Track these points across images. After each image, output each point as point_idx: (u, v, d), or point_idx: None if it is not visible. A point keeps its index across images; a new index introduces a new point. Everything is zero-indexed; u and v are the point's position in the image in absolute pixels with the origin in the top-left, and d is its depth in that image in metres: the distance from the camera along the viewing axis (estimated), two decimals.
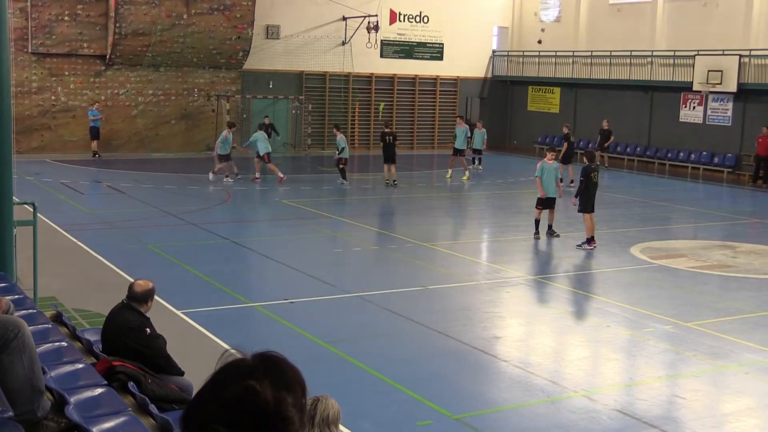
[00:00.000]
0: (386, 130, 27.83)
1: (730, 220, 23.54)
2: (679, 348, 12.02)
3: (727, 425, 9.39)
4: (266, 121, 30.86)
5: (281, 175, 26.15)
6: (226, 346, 3.30)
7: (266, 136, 26.98)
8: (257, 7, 34.65)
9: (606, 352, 11.96)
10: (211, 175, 26.20)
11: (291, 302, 13.59)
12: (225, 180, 25.94)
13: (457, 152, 30.06)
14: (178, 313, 12.42)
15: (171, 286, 13.45)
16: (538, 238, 18.92)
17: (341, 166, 26.84)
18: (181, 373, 8.04)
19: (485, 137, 32.00)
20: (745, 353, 11.81)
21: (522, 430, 9.08)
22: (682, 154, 35.21)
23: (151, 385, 7.24)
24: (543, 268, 17.29)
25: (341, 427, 5.38)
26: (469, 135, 31.10)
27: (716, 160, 33.80)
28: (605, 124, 33.71)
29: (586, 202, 17.94)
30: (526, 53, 42.56)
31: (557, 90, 41.47)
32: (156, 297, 8.39)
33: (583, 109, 40.06)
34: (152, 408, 6.52)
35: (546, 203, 18.99)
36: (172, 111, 34.63)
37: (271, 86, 37.10)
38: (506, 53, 43.38)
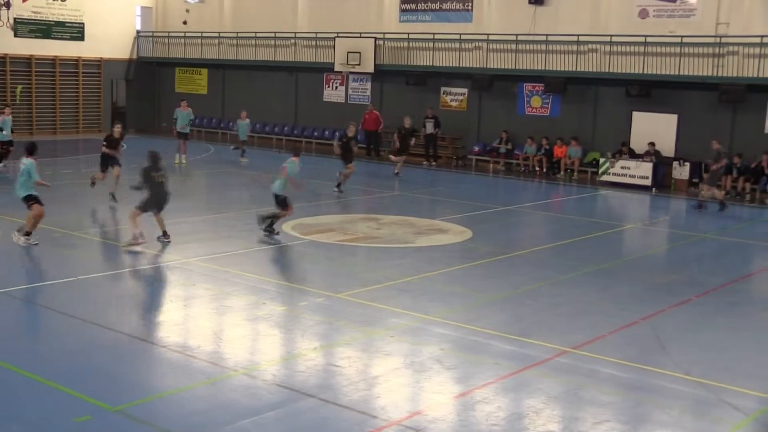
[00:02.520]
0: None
1: (372, 194, 24.90)
2: (332, 318, 12.54)
3: (378, 387, 9.96)
4: None
5: None
6: None
7: None
8: None
9: (263, 328, 12.18)
10: None
11: None
12: None
13: (181, 136, 29.87)
14: None
15: None
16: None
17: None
18: None
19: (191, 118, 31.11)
20: (390, 318, 12.57)
21: (184, 414, 9.01)
22: (327, 132, 36.62)
23: None
24: (199, 251, 17.16)
25: None
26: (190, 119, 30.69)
27: (359, 137, 35.48)
28: (407, 122, 30.65)
29: (148, 202, 16.51)
30: (171, 34, 41.97)
31: (204, 71, 41.40)
32: None
33: (231, 90, 40.34)
34: None
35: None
36: None
37: None
38: (151, 34, 42.50)
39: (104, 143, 21.91)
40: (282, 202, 17.84)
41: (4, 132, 27.04)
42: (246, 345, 11.50)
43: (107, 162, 21.89)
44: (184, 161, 29.42)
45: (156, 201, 16.52)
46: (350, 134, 25.15)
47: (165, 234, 16.76)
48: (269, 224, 17.75)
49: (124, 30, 41.75)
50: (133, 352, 10.92)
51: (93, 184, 22.07)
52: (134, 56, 42.28)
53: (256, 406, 9.18)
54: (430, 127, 32.55)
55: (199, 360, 10.59)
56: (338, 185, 24.43)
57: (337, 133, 30.51)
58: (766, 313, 13.87)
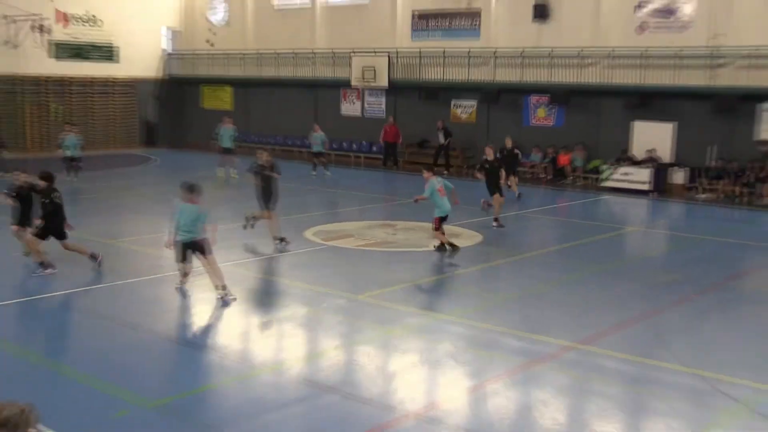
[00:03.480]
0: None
1: (389, 201, 24.98)
2: (352, 318, 12.65)
3: (396, 381, 10.06)
4: None
5: None
6: None
7: None
8: None
9: (288, 328, 12.29)
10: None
11: None
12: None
13: (226, 151, 29.94)
14: None
15: None
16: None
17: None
18: None
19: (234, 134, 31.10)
20: (407, 318, 12.67)
21: (216, 409, 9.14)
22: (345, 144, 36.77)
23: None
24: (226, 256, 17.30)
25: (41, 427, 5.20)
26: (234, 135, 30.85)
27: (374, 148, 35.65)
28: (509, 143, 26.50)
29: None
30: (197, 53, 42.23)
31: (229, 88, 41.61)
32: None
33: (254, 106, 40.55)
34: None
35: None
36: None
37: None
38: (179, 54, 42.79)
39: (259, 170, 17.78)
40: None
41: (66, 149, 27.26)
42: (272, 344, 11.62)
43: (268, 196, 17.99)
44: (234, 174, 29.39)
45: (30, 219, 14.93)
46: (489, 157, 21.35)
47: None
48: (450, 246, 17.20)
49: (154, 51, 42.06)
50: (167, 351, 11.07)
51: (251, 225, 18.40)
52: (164, 75, 42.57)
53: (283, 400, 9.29)
54: (441, 138, 32.67)
55: (229, 359, 10.72)
56: (495, 219, 20.71)
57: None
58: (757, 309, 13.89)
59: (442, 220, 17.06)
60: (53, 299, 13.33)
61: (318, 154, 31.55)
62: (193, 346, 11.34)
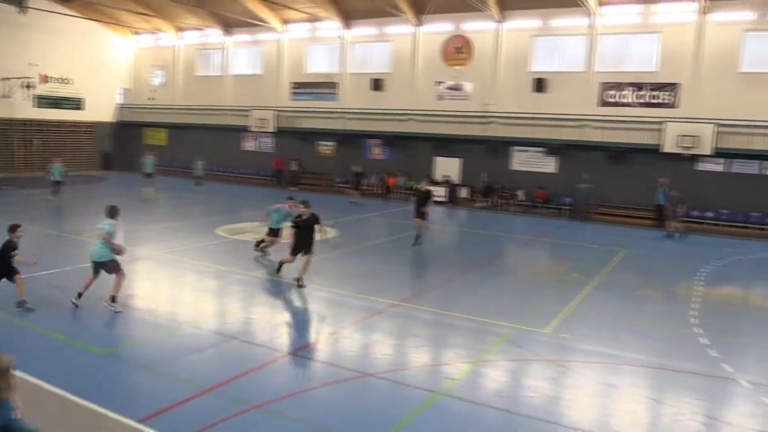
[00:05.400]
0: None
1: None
2: (247, 287, 12.25)
3: (279, 330, 9.77)
4: None
5: None
6: None
7: None
8: None
9: (204, 296, 11.78)
10: None
11: None
12: None
13: (147, 175, 26.90)
14: None
15: None
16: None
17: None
18: None
19: (154, 163, 28.09)
20: (284, 287, 12.33)
21: (152, 353, 8.61)
22: (242, 170, 35.82)
23: None
24: (165, 246, 16.43)
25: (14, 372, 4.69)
26: (154, 163, 27.76)
27: (264, 173, 34.86)
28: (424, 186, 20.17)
29: None
30: (142, 106, 40.07)
31: (164, 131, 39.71)
32: None
33: (182, 143, 38.89)
34: None
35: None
36: None
37: None
38: (128, 105, 40.46)
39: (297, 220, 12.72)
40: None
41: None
42: (192, 306, 11.09)
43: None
44: (152, 193, 27.37)
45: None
46: (421, 188, 18.29)
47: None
48: (264, 247, 15.36)
49: (111, 103, 39.53)
50: (118, 315, 10.35)
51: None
52: (117, 120, 40.10)
53: (200, 346, 8.89)
54: (294, 165, 32.88)
55: (161, 318, 10.15)
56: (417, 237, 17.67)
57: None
58: (511, 277, 14.46)
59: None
60: (34, 278, 12.22)
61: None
62: (136, 309, 10.65)
